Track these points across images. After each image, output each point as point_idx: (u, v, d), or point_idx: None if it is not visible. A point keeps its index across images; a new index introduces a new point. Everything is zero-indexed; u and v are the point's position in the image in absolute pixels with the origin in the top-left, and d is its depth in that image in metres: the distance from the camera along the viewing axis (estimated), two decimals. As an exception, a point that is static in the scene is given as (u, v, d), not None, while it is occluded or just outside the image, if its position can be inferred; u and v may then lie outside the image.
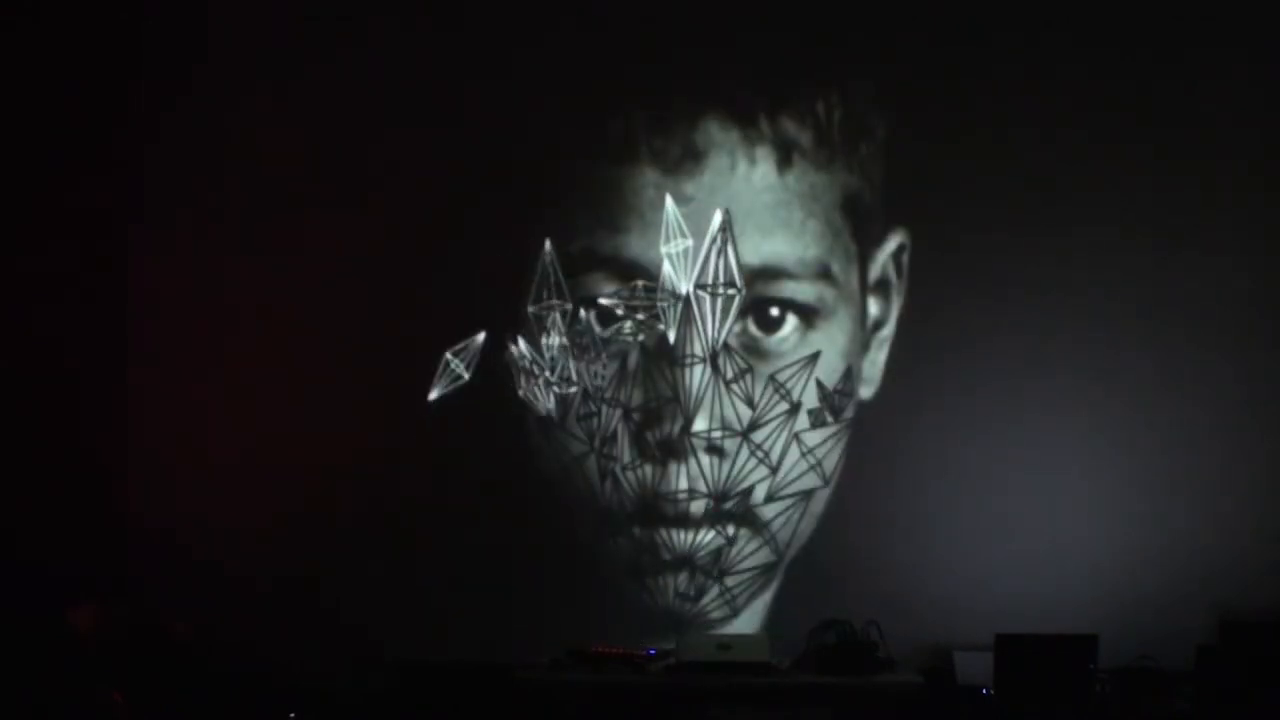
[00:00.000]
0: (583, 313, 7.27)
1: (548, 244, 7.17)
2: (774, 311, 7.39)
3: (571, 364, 7.30)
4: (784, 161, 7.39)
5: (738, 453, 7.38)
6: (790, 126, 7.38)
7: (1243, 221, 7.23)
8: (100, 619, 7.13)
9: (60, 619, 7.06)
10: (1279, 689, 6.59)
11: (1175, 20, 7.25)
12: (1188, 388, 7.18)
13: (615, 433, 7.43)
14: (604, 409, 7.42)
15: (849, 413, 7.37)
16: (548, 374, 7.28)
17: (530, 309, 7.22)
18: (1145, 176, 7.26)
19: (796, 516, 7.37)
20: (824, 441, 7.37)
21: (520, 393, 7.31)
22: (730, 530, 7.40)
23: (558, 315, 7.22)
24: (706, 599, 7.38)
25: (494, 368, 7.32)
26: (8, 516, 7.39)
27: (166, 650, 7.16)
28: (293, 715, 7.03)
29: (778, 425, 7.37)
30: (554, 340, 7.25)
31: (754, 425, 7.37)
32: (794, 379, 7.36)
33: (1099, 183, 7.28)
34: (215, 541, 7.52)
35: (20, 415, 7.51)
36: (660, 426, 7.40)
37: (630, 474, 7.42)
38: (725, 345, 7.30)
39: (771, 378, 7.38)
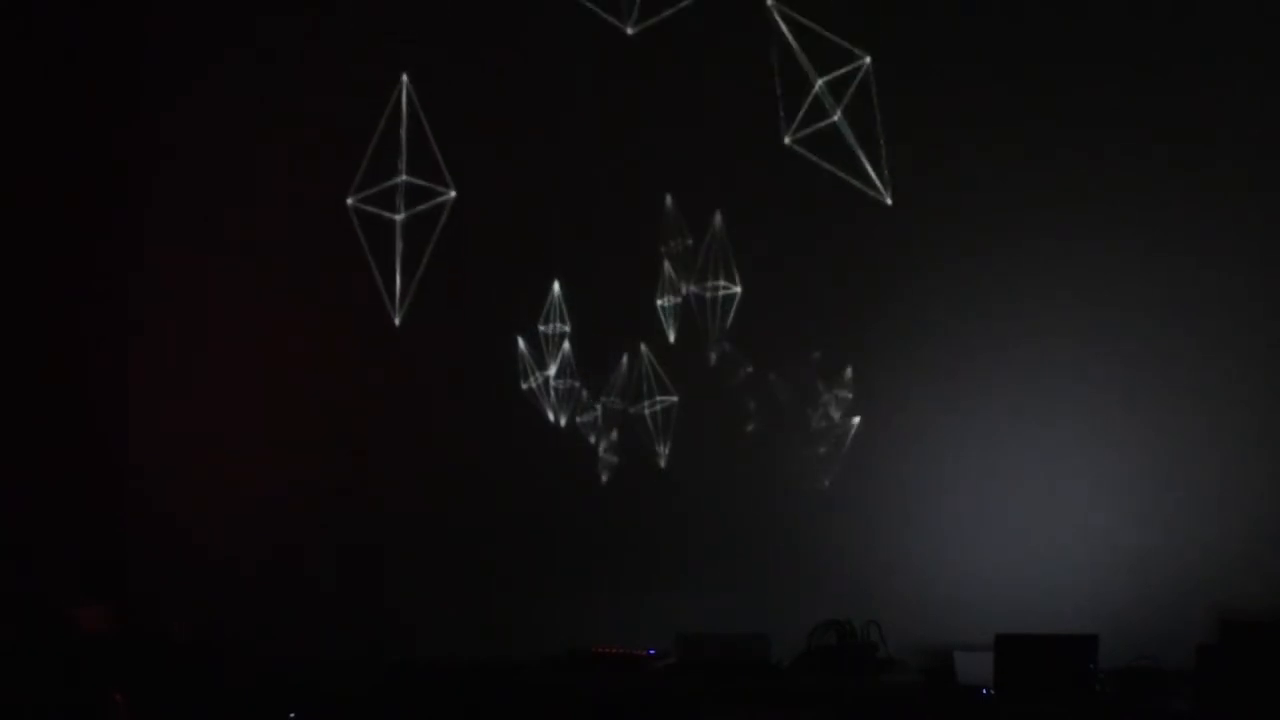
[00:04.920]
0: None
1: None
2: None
3: (574, 364, 7.33)
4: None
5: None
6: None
7: (1243, 224, 7.22)
8: (103, 619, 7.14)
9: (61, 619, 7.06)
10: (1279, 689, 6.58)
11: (1172, 22, 7.25)
12: (1187, 388, 7.17)
13: (616, 433, 7.43)
14: (605, 409, 7.43)
15: (850, 413, 7.37)
16: (550, 373, 7.30)
17: (540, 328, 7.30)
18: (1146, 179, 7.25)
19: (797, 515, 7.38)
20: (824, 441, 7.37)
21: (524, 388, 7.34)
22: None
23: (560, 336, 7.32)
24: (707, 596, 7.39)
25: (497, 366, 7.34)
26: (8, 517, 7.39)
27: (166, 650, 7.16)
28: (293, 715, 7.03)
29: (777, 425, 7.38)
30: (557, 346, 7.32)
31: (754, 425, 7.39)
32: (794, 379, 7.38)
33: (1100, 186, 7.28)
34: (216, 541, 7.53)
35: (21, 415, 7.51)
36: (660, 426, 7.41)
37: (631, 473, 7.43)
38: (725, 345, 7.32)
39: (772, 378, 7.38)
